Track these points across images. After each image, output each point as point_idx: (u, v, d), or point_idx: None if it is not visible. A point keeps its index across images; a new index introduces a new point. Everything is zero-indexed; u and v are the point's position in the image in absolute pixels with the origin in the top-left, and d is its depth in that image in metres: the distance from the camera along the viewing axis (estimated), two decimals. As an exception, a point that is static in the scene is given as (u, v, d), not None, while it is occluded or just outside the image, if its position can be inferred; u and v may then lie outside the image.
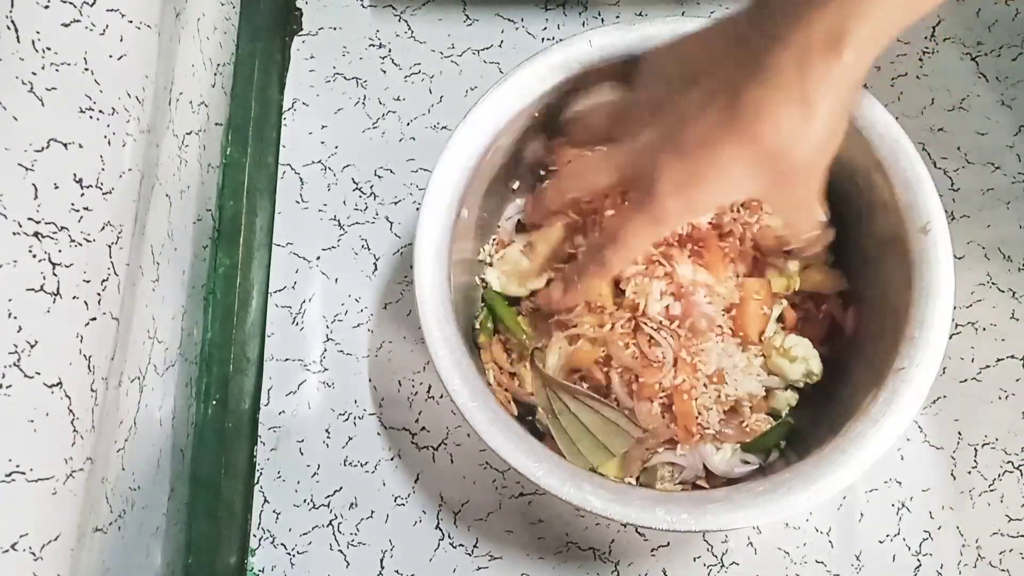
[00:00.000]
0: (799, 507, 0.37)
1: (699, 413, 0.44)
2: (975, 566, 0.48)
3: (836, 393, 0.45)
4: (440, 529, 0.51)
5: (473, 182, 0.44)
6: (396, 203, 0.56)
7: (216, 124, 0.54)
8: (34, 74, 0.34)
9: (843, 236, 0.45)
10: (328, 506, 0.51)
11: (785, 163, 0.31)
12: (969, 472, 0.50)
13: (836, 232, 0.45)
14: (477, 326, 0.48)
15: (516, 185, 0.50)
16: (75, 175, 0.36)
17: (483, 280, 0.49)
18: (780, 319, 0.46)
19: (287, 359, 0.54)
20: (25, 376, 0.32)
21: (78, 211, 0.36)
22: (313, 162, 0.57)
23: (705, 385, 0.43)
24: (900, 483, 0.50)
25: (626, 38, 0.45)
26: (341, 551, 0.50)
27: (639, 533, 0.50)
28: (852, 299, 0.47)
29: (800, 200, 0.35)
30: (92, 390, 0.36)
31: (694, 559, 0.49)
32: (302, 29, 0.60)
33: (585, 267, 0.40)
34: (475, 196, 0.46)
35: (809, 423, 0.45)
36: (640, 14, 0.59)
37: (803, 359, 0.45)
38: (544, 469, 0.39)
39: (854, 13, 0.29)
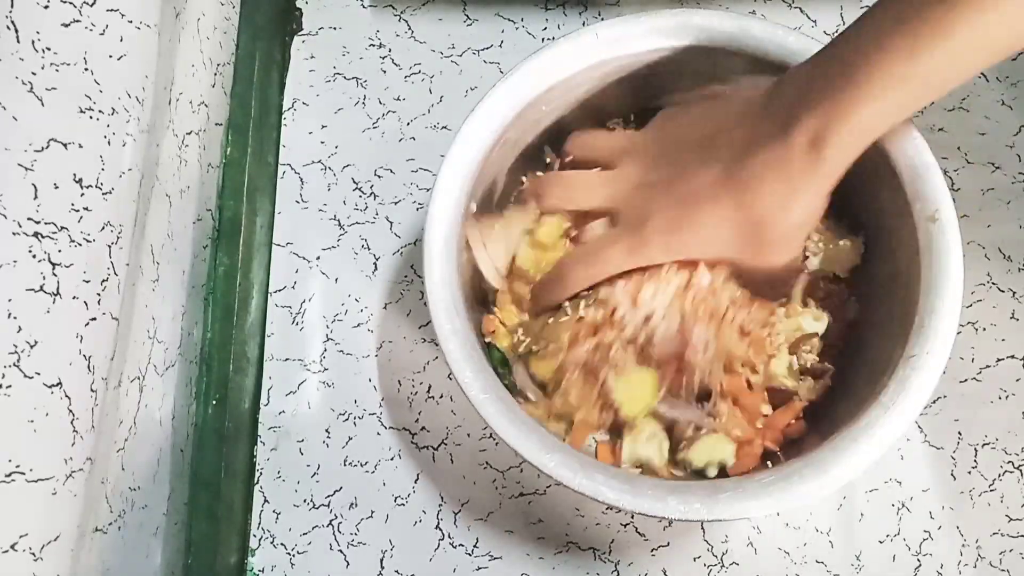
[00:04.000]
0: (812, 496, 0.37)
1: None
2: (975, 566, 0.48)
3: (845, 382, 0.45)
4: (440, 529, 0.51)
5: (481, 176, 0.44)
6: (396, 203, 0.56)
7: (216, 124, 0.54)
8: (34, 74, 0.34)
9: (850, 223, 0.46)
10: (328, 506, 0.51)
11: (765, 233, 0.38)
12: (969, 472, 0.50)
13: (843, 219, 0.45)
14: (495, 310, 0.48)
15: (525, 179, 0.50)
16: (75, 175, 0.36)
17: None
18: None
19: (287, 359, 0.54)
20: (25, 376, 0.33)
21: (78, 211, 0.36)
22: (313, 162, 0.57)
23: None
24: (900, 483, 0.50)
25: (633, 30, 0.44)
26: (341, 551, 0.50)
27: (639, 533, 0.50)
28: (861, 288, 0.47)
29: (772, 271, 0.40)
30: (92, 390, 0.36)
31: (694, 559, 0.49)
32: (302, 29, 0.60)
33: (550, 280, 0.44)
34: (484, 190, 0.46)
35: (818, 413, 0.45)
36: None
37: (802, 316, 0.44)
38: (556, 460, 0.39)
39: (835, 119, 0.35)
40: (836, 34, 0.37)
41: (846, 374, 0.45)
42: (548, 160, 0.50)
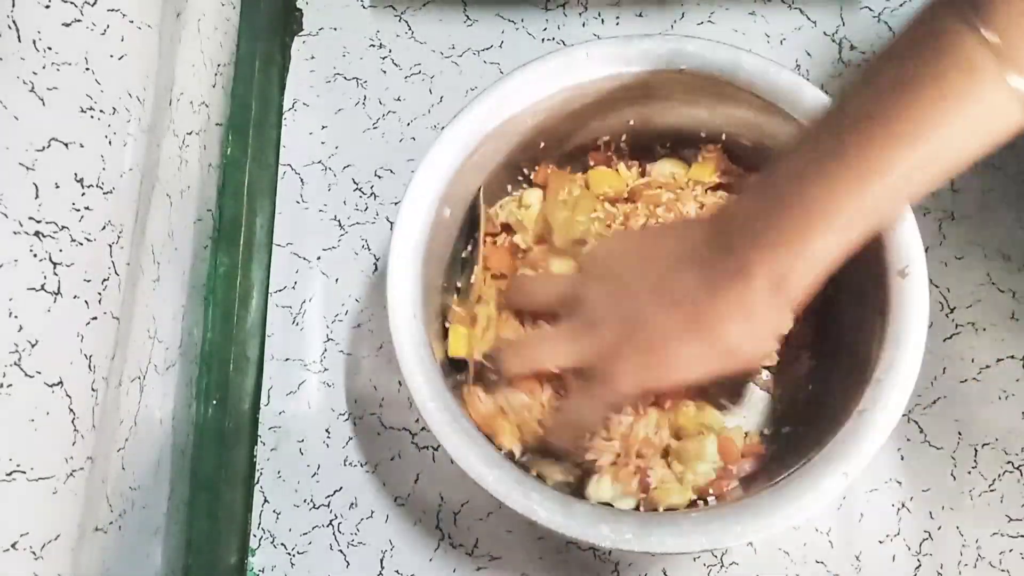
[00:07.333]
0: (743, 538, 0.38)
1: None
2: (975, 566, 0.48)
3: (797, 433, 0.46)
4: (440, 529, 0.51)
5: (457, 183, 0.45)
6: (396, 203, 0.56)
7: (216, 124, 0.54)
8: (35, 74, 0.34)
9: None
10: (328, 506, 0.51)
11: (737, 357, 0.39)
12: (969, 472, 0.50)
13: None
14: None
15: (511, 188, 0.51)
16: (76, 175, 0.36)
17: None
18: None
19: (287, 359, 0.54)
20: (26, 375, 0.33)
21: (79, 211, 0.36)
22: (313, 162, 0.57)
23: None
24: (900, 483, 0.50)
25: (625, 53, 0.45)
26: (341, 551, 0.50)
27: (639, 533, 0.50)
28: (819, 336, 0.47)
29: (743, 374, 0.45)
30: (93, 389, 0.36)
31: (694, 559, 0.49)
32: (302, 29, 0.60)
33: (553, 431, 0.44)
34: (459, 197, 0.46)
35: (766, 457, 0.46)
36: (640, 15, 0.59)
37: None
38: (495, 476, 0.39)
39: (793, 258, 0.35)
40: (778, 157, 0.37)
41: (799, 422, 0.46)
42: (522, 178, 0.51)
